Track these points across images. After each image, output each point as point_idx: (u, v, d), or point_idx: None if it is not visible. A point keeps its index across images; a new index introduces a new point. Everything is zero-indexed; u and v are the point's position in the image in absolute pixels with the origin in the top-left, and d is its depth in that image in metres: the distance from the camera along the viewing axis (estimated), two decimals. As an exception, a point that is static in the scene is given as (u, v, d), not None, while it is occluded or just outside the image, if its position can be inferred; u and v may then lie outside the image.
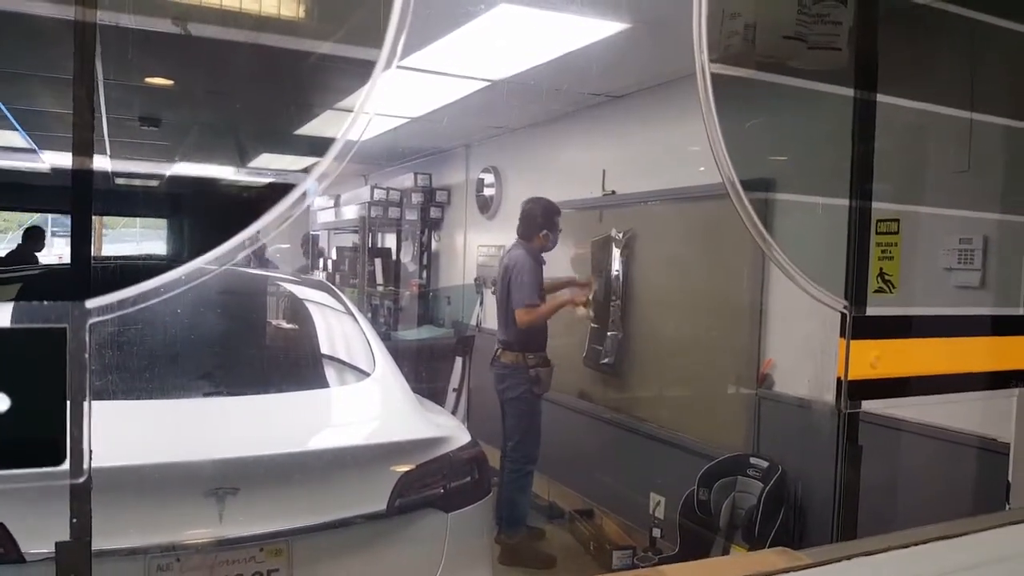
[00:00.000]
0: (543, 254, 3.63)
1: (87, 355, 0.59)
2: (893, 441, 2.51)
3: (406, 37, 0.90)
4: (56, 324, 0.57)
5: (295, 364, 2.52)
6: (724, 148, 0.99)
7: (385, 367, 2.34)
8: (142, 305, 0.61)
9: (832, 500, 1.28)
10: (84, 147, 0.62)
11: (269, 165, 6.46)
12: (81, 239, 0.63)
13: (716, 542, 3.14)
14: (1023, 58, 1.97)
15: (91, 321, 0.60)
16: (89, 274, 0.62)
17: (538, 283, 3.53)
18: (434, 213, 6.20)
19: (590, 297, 3.86)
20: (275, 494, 1.82)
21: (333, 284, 4.50)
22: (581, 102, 4.18)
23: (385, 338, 4.15)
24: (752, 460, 3.08)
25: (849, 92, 1.31)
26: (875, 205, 1.21)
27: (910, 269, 2.58)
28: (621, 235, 3.94)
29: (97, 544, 0.73)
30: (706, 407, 3.52)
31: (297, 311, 2.91)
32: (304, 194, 0.85)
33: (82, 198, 0.63)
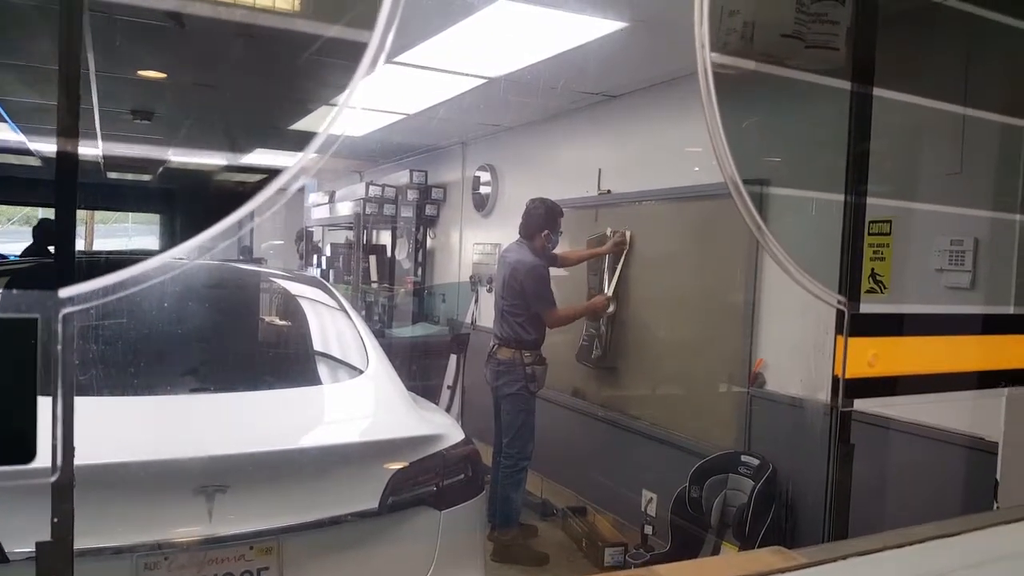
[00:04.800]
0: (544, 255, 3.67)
1: (59, 347, 0.57)
2: (882, 440, 2.52)
3: (396, 31, 0.88)
4: (27, 314, 0.55)
5: (287, 360, 2.50)
6: (726, 146, 0.98)
7: (379, 364, 2.32)
8: (119, 295, 0.59)
9: (822, 498, 1.27)
10: (69, 129, 0.60)
11: (262, 161, 6.42)
12: (64, 228, 0.62)
13: (707, 539, 3.14)
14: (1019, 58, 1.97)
15: (64, 311, 0.58)
16: (67, 264, 0.60)
17: (549, 287, 3.64)
18: (430, 210, 6.17)
19: (611, 295, 3.90)
20: (266, 492, 1.80)
21: (327, 280, 4.47)
22: (578, 101, 4.17)
23: (379, 335, 4.14)
24: (743, 458, 3.08)
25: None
26: (869, 202, 1.21)
27: (901, 270, 2.58)
28: (616, 234, 3.94)
29: (84, 543, 0.71)
30: (698, 405, 3.53)
31: (290, 307, 2.89)
32: (283, 190, 0.83)
33: (66, 186, 0.62)
